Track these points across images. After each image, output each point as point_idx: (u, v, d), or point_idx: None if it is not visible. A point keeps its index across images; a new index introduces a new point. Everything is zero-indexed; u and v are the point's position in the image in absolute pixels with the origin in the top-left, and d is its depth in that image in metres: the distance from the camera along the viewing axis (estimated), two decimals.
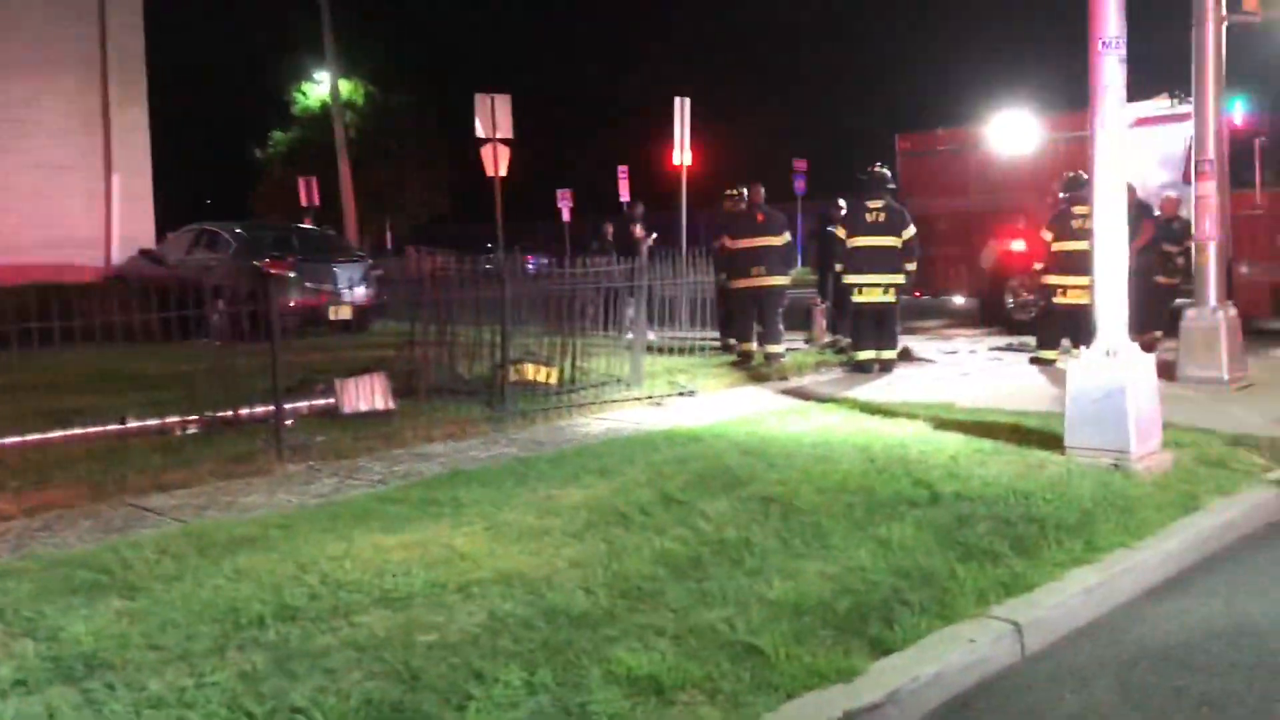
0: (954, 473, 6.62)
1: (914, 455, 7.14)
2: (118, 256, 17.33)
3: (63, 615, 4.50)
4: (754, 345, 12.53)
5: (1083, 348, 6.93)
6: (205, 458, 7.68)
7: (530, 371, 10.26)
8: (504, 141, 21.52)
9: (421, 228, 46.04)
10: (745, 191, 12.72)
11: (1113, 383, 6.68)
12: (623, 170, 36.40)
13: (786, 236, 12.38)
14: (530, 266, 22.76)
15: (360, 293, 14.12)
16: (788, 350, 12.85)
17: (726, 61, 48.96)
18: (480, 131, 21.40)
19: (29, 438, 7.79)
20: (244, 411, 8.64)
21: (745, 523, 5.70)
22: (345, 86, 43.79)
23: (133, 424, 8.28)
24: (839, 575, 4.95)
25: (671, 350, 12.49)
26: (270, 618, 4.41)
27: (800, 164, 34.39)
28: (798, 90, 46.69)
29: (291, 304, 14.22)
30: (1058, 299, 11.70)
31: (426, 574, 4.90)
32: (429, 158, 40.69)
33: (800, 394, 10.53)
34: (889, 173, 12.12)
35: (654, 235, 15.24)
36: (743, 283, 12.42)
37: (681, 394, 10.56)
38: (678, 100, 18.99)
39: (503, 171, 21.81)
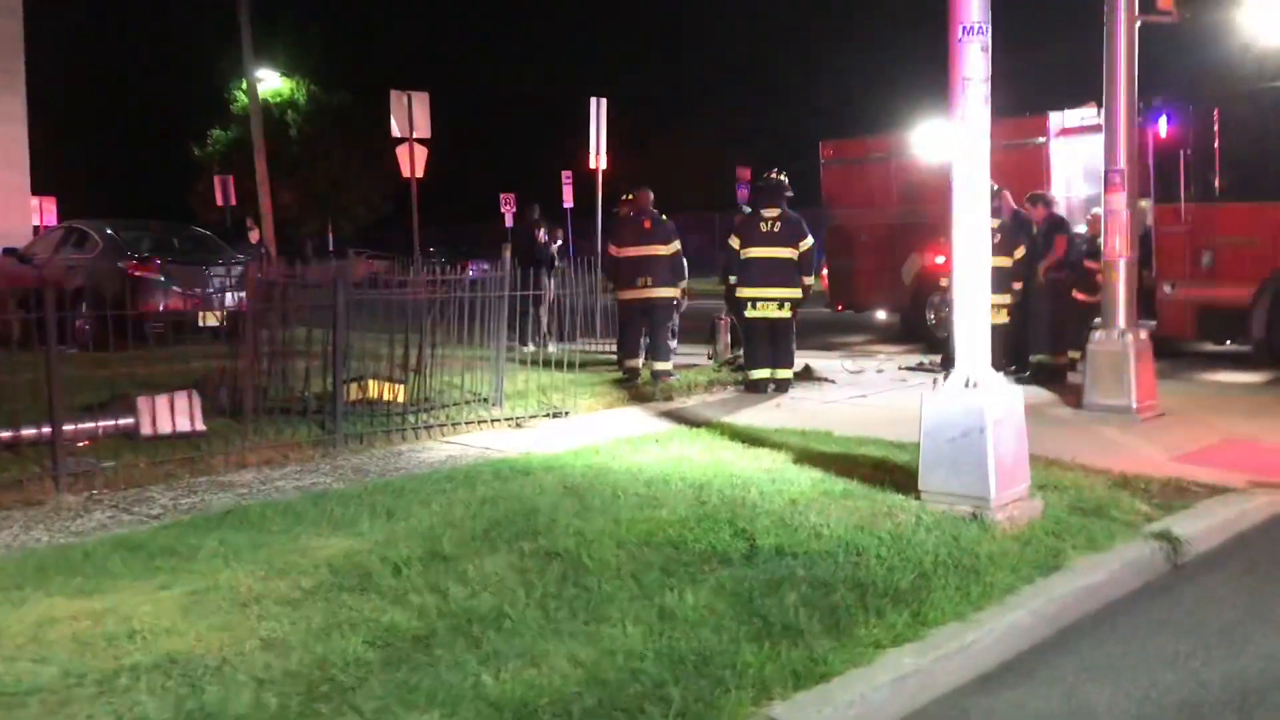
0: (786, 521, 5.70)
1: (752, 497, 6.23)
2: None
3: None
4: (639, 362, 11.59)
5: (937, 378, 6.01)
6: None
7: (375, 389, 9.29)
8: (421, 142, 20.60)
9: (368, 229, 44.96)
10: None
11: (972, 419, 5.77)
12: (567, 175, 35.52)
13: (675, 245, 11.42)
14: (471, 273, 21.95)
15: (234, 298, 13.06)
16: (681, 367, 11.95)
17: (684, 66, 48.11)
18: (396, 130, 20.46)
19: None
20: (26, 432, 7.61)
21: (512, 586, 4.76)
22: (287, 85, 42.84)
23: None
24: (594, 662, 4.01)
25: (568, 365, 11.58)
26: None
27: (744, 172, 33.51)
28: (746, 96, 45.87)
29: (159, 308, 13.17)
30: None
31: (72, 658, 3.94)
32: (370, 158, 39.58)
33: (677, 417, 9.63)
34: (785, 180, 11.20)
35: (558, 241, 14.33)
36: (629, 294, 11.48)
37: (552, 415, 9.64)
38: (593, 101, 18.08)
39: (419, 173, 20.88)
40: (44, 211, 27.91)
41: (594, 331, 15.22)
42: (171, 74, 44.80)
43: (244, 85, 41.25)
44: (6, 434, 7.60)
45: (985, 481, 5.73)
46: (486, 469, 7.33)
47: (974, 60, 5.74)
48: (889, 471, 6.82)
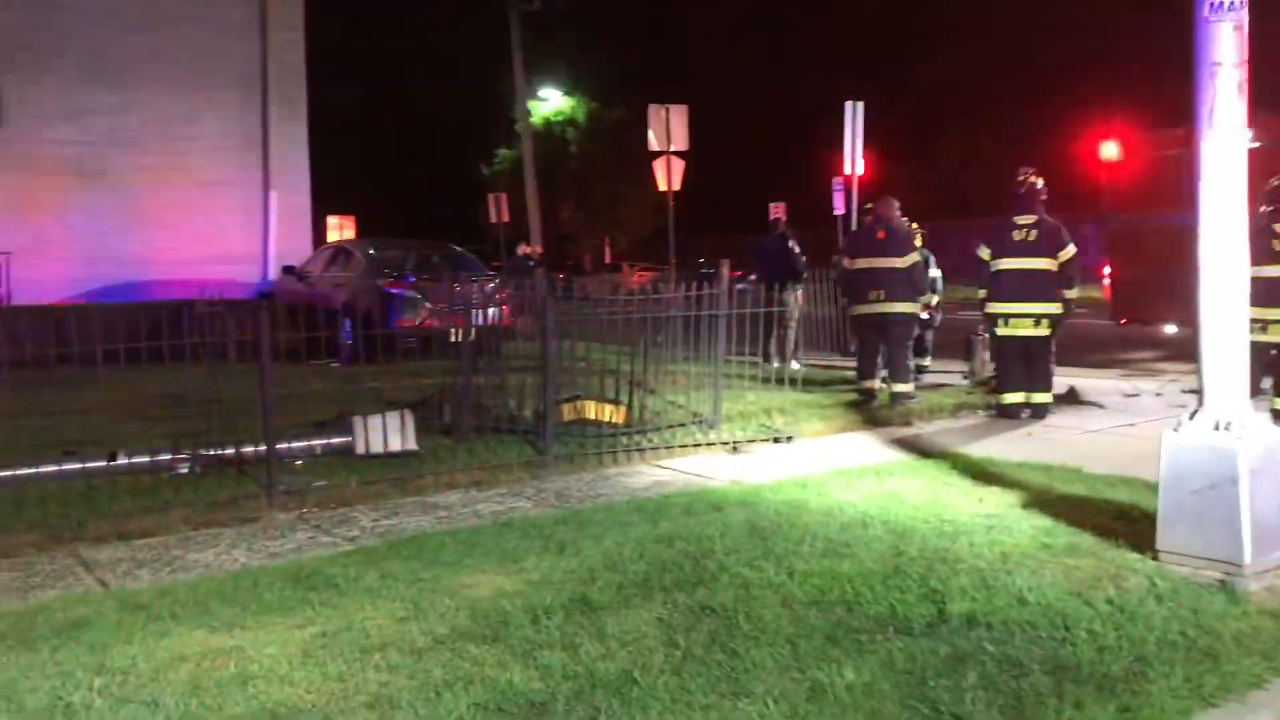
0: (988, 581, 4.95)
1: (958, 550, 5.49)
2: (274, 273, 17.34)
3: None
4: (877, 383, 10.83)
5: (1183, 417, 5.07)
6: (186, 502, 7.03)
7: (592, 410, 9.08)
8: (680, 154, 20.54)
9: (644, 242, 45.70)
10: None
11: (1222, 467, 4.80)
12: (838, 181, 34.62)
13: (913, 258, 10.55)
14: (742, 286, 21.71)
15: (484, 315, 13.33)
16: (929, 387, 11.12)
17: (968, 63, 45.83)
18: (654, 144, 20.49)
19: (4, 473, 7.24)
20: (248, 450, 7.87)
21: (651, 646, 4.32)
22: (568, 103, 44.20)
23: (123, 461, 7.62)
24: None
25: (805, 384, 11.05)
26: None
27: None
28: (1023, 92, 43.04)
29: (413, 325, 13.61)
30: (1255, 336, 9.41)
31: (179, 704, 3.84)
32: (646, 173, 40.19)
33: (910, 445, 8.87)
34: (1040, 183, 10.15)
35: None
36: (861, 309, 10.74)
37: (773, 439, 9.11)
38: (848, 106, 17.34)
39: (676, 185, 20.83)
40: (343, 229, 29.86)
41: (845, 348, 14.56)
42: (464, 97, 47.24)
43: (530, 106, 43.17)
44: (230, 451, 7.86)
45: (1237, 543, 4.76)
46: (679, 501, 6.92)
47: (1225, 42, 4.78)
48: (1132, 522, 5.87)
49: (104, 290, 16.81)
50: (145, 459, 7.69)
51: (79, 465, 7.47)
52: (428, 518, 6.83)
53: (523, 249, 20.57)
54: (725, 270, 9.34)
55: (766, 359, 12.55)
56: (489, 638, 4.43)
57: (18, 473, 7.26)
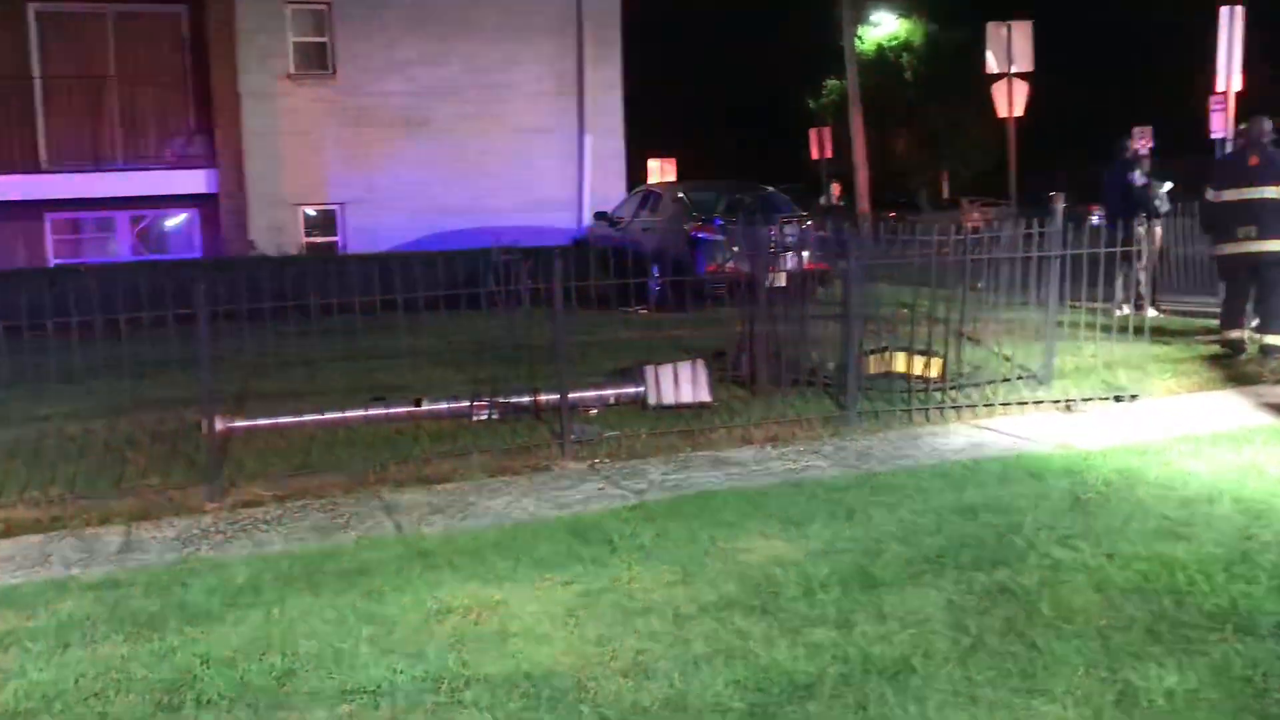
0: None
1: None
2: (589, 219, 17.86)
3: None
4: (1243, 333, 9.72)
5: None
6: (483, 449, 7.38)
7: (902, 362, 8.71)
8: (1021, 76, 19.36)
9: (986, 175, 43.65)
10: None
11: None
12: (1217, 99, 31.51)
13: None
14: (1095, 220, 20.31)
15: (797, 258, 13.14)
16: None
17: None
18: (991, 66, 19.42)
19: (317, 417, 7.85)
20: (543, 398, 8.13)
21: (936, 630, 4.04)
22: (903, 26, 42.70)
23: (426, 406, 8.07)
24: None
25: (1158, 333, 10.13)
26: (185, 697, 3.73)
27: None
28: None
29: (718, 271, 13.60)
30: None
31: (438, 658, 3.97)
32: (988, 100, 38.32)
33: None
34: None
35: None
36: (1229, 248, 9.61)
37: (1114, 398, 8.41)
38: (1224, 11, 15.62)
39: (1019, 111, 19.70)
40: (664, 171, 30.39)
41: (1208, 291, 13.24)
42: (794, 27, 46.67)
43: (859, 33, 42.07)
44: (527, 399, 8.14)
45: None
46: (993, 466, 6.50)
47: None
48: None
49: (430, 239, 17.96)
50: (447, 405, 8.10)
51: (385, 410, 7.97)
52: (717, 473, 6.82)
53: (824, 197, 20.22)
54: (1058, 205, 8.65)
55: (1114, 305, 11.61)
56: (757, 609, 4.31)
57: (329, 416, 7.83)
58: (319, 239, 18.64)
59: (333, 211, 18.69)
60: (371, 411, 7.93)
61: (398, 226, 17.94)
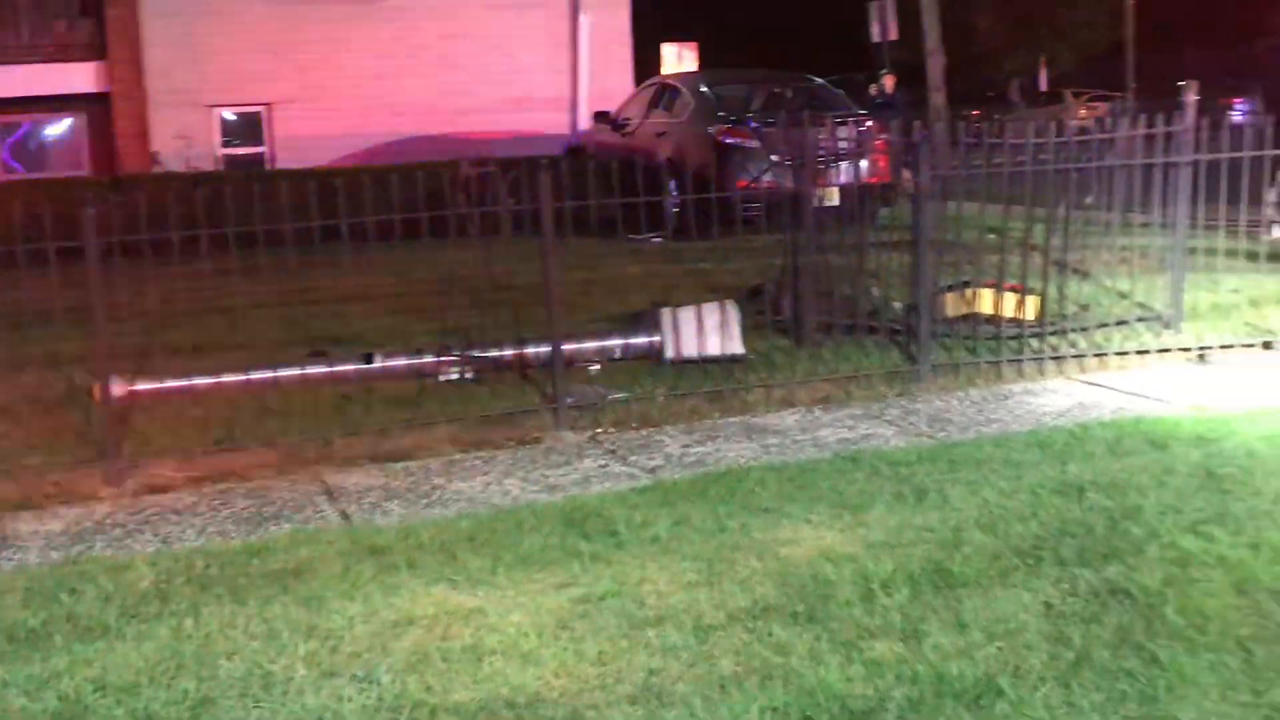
0: None
1: None
2: (585, 121, 17.87)
3: None
4: None
5: None
6: (454, 417, 7.45)
7: (989, 301, 8.75)
8: None
9: (1098, 61, 43.41)
10: None
11: None
12: None
13: None
14: (1240, 115, 20.23)
15: (854, 169, 13.13)
16: None
17: None
18: None
19: (241, 378, 7.88)
20: (531, 351, 8.15)
21: (1030, 641, 4.10)
22: None
23: (380, 363, 8.10)
24: None
25: None
26: None
27: None
28: None
29: (753, 186, 13.58)
30: None
31: (393, 683, 4.03)
32: None
33: None
34: None
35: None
36: None
37: (1262, 344, 8.47)
38: None
39: None
40: (682, 59, 30.19)
41: None
42: None
43: None
44: (509, 353, 8.15)
45: None
46: (1104, 433, 6.60)
47: None
48: None
49: (382, 149, 17.95)
50: (406, 361, 8.13)
51: (328, 369, 8.00)
52: (751, 445, 6.90)
53: (875, 90, 20.22)
54: (1190, 97, 8.62)
55: (1263, 227, 11.61)
56: (801, 616, 4.39)
57: (256, 376, 7.86)
58: (240, 150, 18.72)
59: (258, 114, 18.77)
60: (310, 371, 7.98)
61: (341, 134, 18.01)
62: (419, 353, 8.23)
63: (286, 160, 17.90)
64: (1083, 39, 41.96)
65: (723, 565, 4.88)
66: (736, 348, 8.35)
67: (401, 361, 8.14)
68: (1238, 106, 25.93)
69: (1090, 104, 35.12)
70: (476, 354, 8.16)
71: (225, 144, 18.72)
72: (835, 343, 8.57)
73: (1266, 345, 8.45)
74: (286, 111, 18.26)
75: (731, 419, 7.43)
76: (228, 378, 7.90)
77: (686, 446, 6.93)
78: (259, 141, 18.73)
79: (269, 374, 7.88)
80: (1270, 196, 12.48)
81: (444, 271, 9.64)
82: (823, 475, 6.06)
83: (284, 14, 18.23)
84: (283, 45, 18.23)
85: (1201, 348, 8.39)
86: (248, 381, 7.88)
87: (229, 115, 18.71)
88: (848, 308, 8.88)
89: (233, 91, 18.40)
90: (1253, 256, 9.28)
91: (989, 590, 4.51)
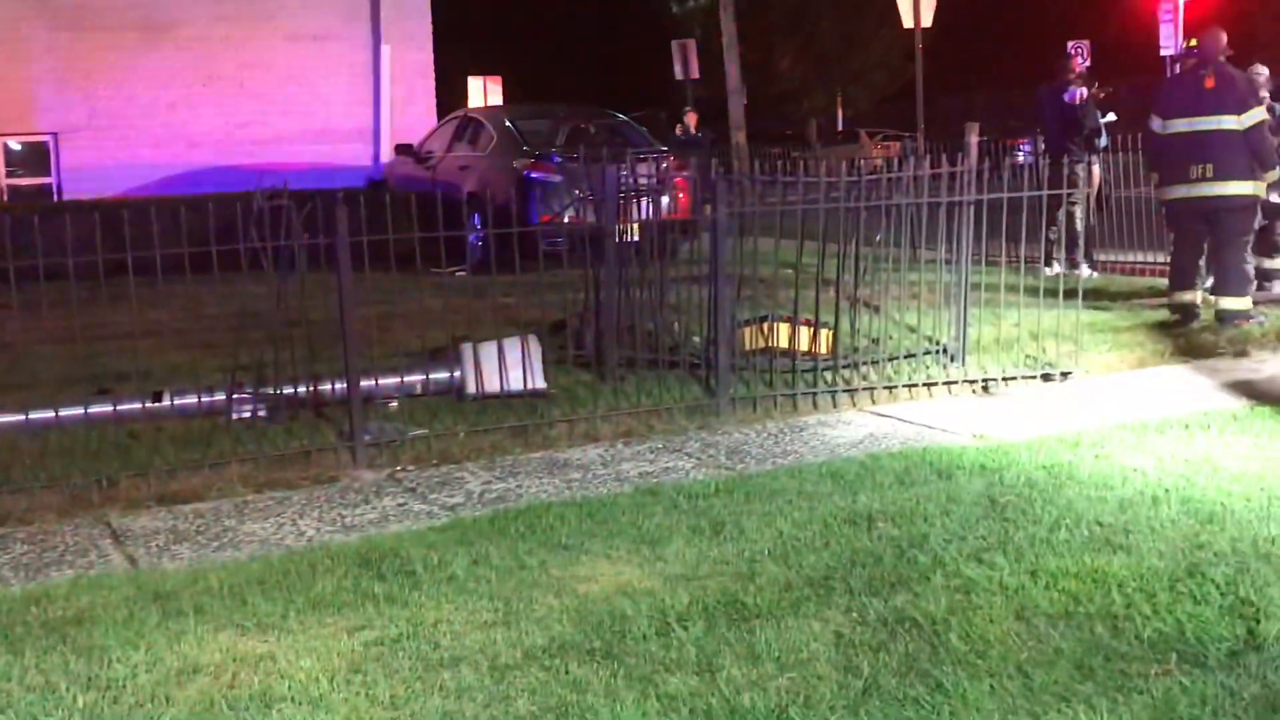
0: None
1: None
2: (388, 154, 17.76)
3: None
4: (1196, 295, 10.24)
5: None
6: (246, 456, 7.31)
7: (786, 335, 8.90)
8: None
9: (890, 101, 44.70)
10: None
11: None
12: (1166, 8, 32.86)
13: (1256, 115, 9.72)
14: (1022, 155, 20.99)
15: (655, 205, 13.29)
16: (1273, 302, 10.44)
17: None
18: None
19: (18, 418, 7.60)
20: (328, 387, 8.02)
21: (821, 672, 4.16)
22: None
23: (169, 401, 7.89)
24: None
25: (1104, 295, 10.55)
26: None
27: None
28: None
29: (555, 221, 13.65)
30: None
31: None
32: (889, 10, 39.25)
33: (1243, 388, 8.36)
34: None
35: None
36: (1180, 191, 10.07)
37: (1041, 376, 8.75)
38: None
39: (926, 22, 20.30)
40: (487, 93, 30.24)
41: (1154, 244, 13.83)
42: None
43: None
44: (304, 390, 8.00)
45: None
46: (894, 463, 6.74)
47: None
48: None
49: (175, 180, 17.56)
50: (197, 399, 7.93)
51: (113, 408, 7.75)
52: (554, 480, 6.90)
53: (680, 128, 20.63)
54: (972, 137, 8.93)
55: (1044, 262, 12.04)
56: (598, 653, 4.38)
57: (38, 416, 7.58)
58: (25, 181, 18.19)
59: (44, 144, 18.22)
60: (95, 409, 7.71)
61: (132, 164, 17.59)
62: (210, 390, 8.03)
63: (76, 191, 17.41)
64: (876, 80, 43.26)
65: (520, 604, 4.85)
66: (539, 382, 8.35)
67: (192, 399, 7.93)
68: (1022, 147, 27.08)
69: (884, 143, 36.21)
70: (270, 391, 7.99)
71: (9, 174, 18.13)
72: (638, 377, 8.62)
73: (1045, 377, 8.72)
74: (75, 141, 17.75)
75: (534, 454, 7.42)
76: (5, 418, 7.61)
77: (488, 483, 6.89)
78: (45, 172, 18.19)
79: (48, 414, 7.60)
80: (1050, 234, 12.97)
81: (236, 306, 9.48)
82: (623, 509, 6.07)
83: (72, 41, 17.75)
84: (71, 73, 17.76)
85: (985, 379, 8.64)
86: (27, 421, 7.59)
87: (13, 145, 18.14)
88: (650, 342, 8.96)
89: (16, 120, 17.82)
90: (1032, 291, 9.60)
91: (782, 621, 4.56)
